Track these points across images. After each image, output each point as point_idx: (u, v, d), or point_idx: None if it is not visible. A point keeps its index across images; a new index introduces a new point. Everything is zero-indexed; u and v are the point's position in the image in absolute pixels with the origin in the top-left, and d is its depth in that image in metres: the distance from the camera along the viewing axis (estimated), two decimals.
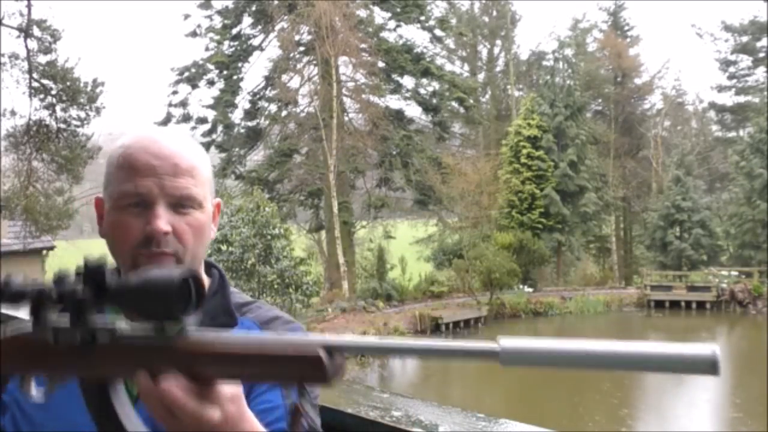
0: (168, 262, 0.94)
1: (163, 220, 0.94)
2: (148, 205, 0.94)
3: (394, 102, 29.92)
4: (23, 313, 0.72)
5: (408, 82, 29.87)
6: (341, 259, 25.05)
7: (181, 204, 0.96)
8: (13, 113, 15.62)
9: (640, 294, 25.51)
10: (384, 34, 29.63)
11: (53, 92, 15.47)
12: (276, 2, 28.29)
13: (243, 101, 30.22)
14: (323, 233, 29.80)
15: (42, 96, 15.48)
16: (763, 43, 34.22)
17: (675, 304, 24.35)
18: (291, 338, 0.67)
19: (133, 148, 0.98)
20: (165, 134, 1.01)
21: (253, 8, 29.17)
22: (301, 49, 29.10)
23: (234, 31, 29.71)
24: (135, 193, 0.95)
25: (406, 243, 32.17)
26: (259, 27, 29.93)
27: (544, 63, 35.36)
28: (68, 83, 15.27)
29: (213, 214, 1.04)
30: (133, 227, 0.94)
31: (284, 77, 28.99)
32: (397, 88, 29.75)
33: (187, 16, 29.45)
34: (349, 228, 27.48)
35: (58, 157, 15.68)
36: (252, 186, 24.57)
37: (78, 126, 15.94)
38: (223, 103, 29.00)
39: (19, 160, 15.88)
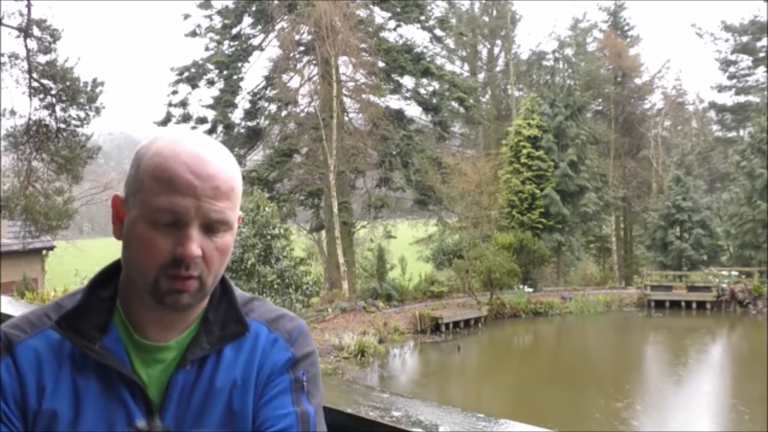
0: (192, 285, 0.93)
1: (196, 243, 0.92)
2: (182, 226, 0.92)
3: (394, 102, 29.98)
4: None
5: (408, 82, 29.91)
6: (341, 259, 25.06)
7: (214, 227, 0.94)
8: (12, 113, 15.64)
9: (640, 294, 25.49)
10: (384, 34, 29.63)
11: (53, 92, 15.48)
12: (276, 2, 28.29)
13: (243, 101, 30.28)
14: (323, 233, 29.81)
15: (42, 96, 15.49)
16: (763, 43, 34.24)
17: (675, 304, 24.34)
18: None
19: (172, 162, 0.92)
20: (205, 147, 0.96)
21: (253, 8, 29.19)
22: (301, 49, 29.11)
23: (234, 31, 29.73)
24: (170, 211, 0.91)
25: (406, 243, 32.17)
26: (259, 27, 29.94)
27: (544, 63, 35.39)
28: (68, 83, 15.28)
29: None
30: (162, 246, 0.91)
31: (284, 77, 29.01)
32: (397, 88, 29.75)
33: (187, 16, 29.50)
34: (349, 228, 27.49)
35: (58, 157, 15.70)
36: (252, 186, 24.57)
37: (78, 126, 15.97)
38: (223, 103, 29.01)
39: (19, 160, 15.90)
